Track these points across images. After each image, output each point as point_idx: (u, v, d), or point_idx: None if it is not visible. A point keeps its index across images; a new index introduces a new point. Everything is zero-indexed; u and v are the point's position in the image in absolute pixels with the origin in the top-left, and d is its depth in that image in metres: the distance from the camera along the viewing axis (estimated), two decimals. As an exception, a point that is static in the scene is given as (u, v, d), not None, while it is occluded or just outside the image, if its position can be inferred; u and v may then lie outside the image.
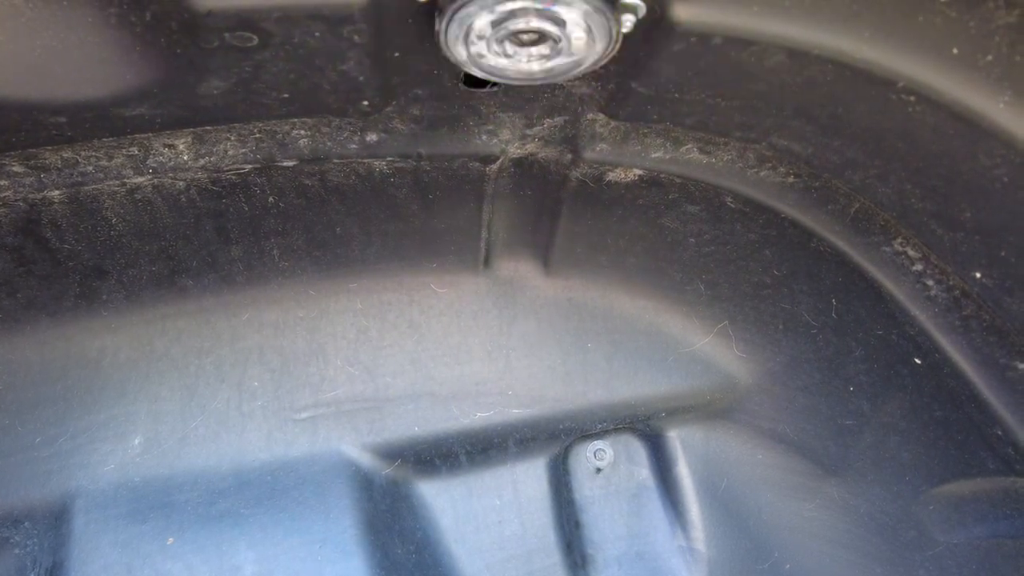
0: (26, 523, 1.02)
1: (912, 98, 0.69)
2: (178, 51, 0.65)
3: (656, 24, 0.65)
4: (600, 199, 1.06)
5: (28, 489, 1.02)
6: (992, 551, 1.11)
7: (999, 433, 0.99)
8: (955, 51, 0.66)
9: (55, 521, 1.01)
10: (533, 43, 0.65)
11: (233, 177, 0.94)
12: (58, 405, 1.03)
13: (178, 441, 1.04)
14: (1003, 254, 0.78)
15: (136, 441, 1.03)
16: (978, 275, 0.83)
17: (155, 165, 0.88)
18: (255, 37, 0.64)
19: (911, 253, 0.90)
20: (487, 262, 1.13)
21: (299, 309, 1.09)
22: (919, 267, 0.90)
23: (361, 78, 0.71)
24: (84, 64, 0.65)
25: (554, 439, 1.19)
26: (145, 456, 1.03)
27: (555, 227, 1.10)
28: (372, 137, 0.90)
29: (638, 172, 0.99)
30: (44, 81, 0.67)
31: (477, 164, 1.00)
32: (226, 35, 0.63)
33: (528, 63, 0.67)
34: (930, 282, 0.91)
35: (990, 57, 0.65)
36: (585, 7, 0.61)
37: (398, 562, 1.05)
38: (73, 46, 0.64)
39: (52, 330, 1.04)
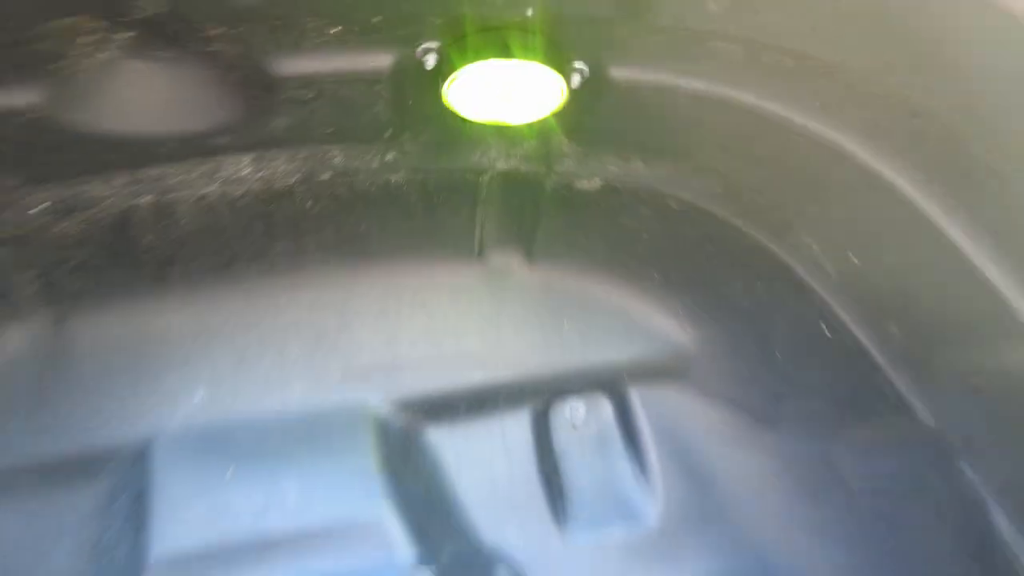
0: (114, 460, 1.28)
1: (786, 132, 0.94)
2: (257, 101, 0.90)
3: (596, 82, 0.91)
4: (571, 203, 1.31)
5: (115, 433, 1.28)
6: (883, 485, 1.36)
7: (883, 382, 1.24)
8: (818, 104, 0.92)
9: (137, 458, 1.27)
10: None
11: (281, 187, 1.19)
12: (138, 367, 1.29)
13: (232, 396, 1.30)
14: (864, 241, 1.03)
15: (199, 395, 1.29)
16: (851, 255, 1.09)
17: (222, 178, 1.13)
18: (312, 92, 0.89)
19: (808, 240, 1.15)
20: (480, 254, 1.39)
21: (329, 292, 1.34)
22: (816, 250, 1.15)
23: (385, 118, 0.97)
24: (189, 109, 0.90)
25: (536, 396, 1.44)
26: (207, 407, 1.29)
27: (535, 226, 1.36)
28: (390, 157, 1.15)
29: (599, 181, 1.24)
30: (157, 121, 0.92)
31: (471, 176, 1.25)
32: (292, 91, 0.88)
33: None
34: (826, 263, 1.16)
35: (840, 99, 0.90)
36: (543, 72, 0.86)
37: (410, 493, 1.31)
38: (182, 97, 0.89)
39: (130, 308, 1.30)
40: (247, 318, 1.31)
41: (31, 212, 1.08)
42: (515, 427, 1.44)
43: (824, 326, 1.29)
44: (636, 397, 1.48)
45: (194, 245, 1.25)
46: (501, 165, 1.21)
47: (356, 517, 1.26)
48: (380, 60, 0.87)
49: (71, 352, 1.29)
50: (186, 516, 1.23)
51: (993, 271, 0.95)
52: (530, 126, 1.06)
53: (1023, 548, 1.18)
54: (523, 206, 1.32)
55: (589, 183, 1.25)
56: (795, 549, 1.45)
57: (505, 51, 0.84)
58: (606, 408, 1.50)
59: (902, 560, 1.36)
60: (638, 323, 1.44)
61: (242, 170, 1.13)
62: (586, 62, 0.89)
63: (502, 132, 1.12)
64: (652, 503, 1.45)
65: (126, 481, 1.28)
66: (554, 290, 1.41)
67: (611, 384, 1.48)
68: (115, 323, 1.30)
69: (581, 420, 1.49)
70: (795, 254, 1.24)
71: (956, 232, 0.92)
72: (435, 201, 1.29)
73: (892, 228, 1.02)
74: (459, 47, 0.84)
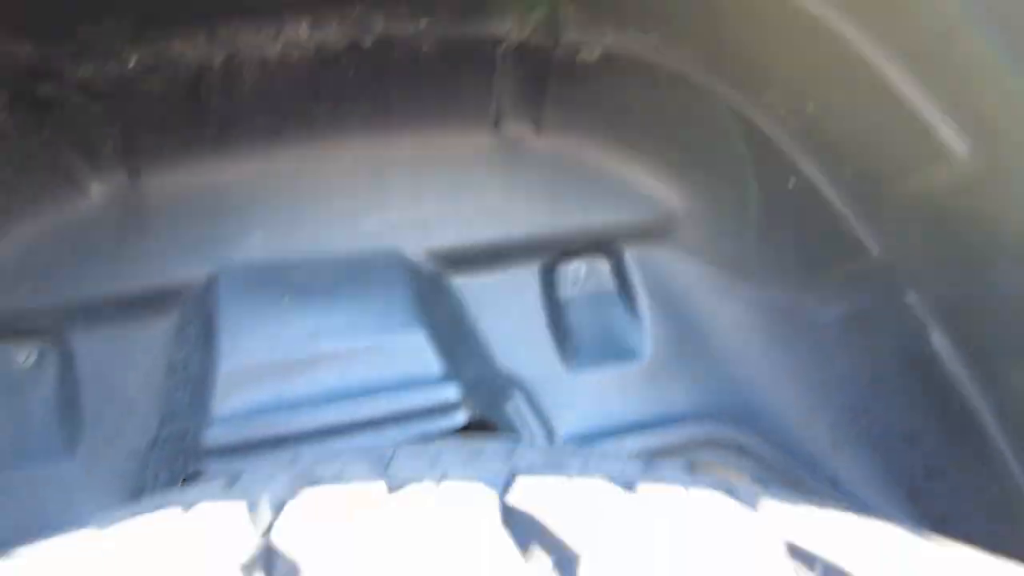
0: (184, 292, 1.50)
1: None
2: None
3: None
4: (574, 76, 1.52)
5: (185, 270, 1.49)
6: (846, 324, 1.59)
7: (843, 227, 1.46)
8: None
9: (205, 290, 1.48)
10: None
11: (329, 53, 1.39)
12: (203, 215, 1.50)
13: (285, 239, 1.51)
14: (818, 92, 1.25)
15: (256, 238, 1.51)
16: (808, 109, 1.30)
17: (284, 40, 1.33)
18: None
19: (775, 100, 1.36)
20: (497, 124, 1.60)
21: (366, 153, 1.55)
22: (781, 108, 1.36)
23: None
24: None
25: (544, 253, 1.66)
26: (264, 248, 1.50)
27: (544, 98, 1.57)
28: (423, 23, 1.36)
29: (598, 52, 1.45)
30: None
31: (489, 48, 1.46)
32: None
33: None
34: (790, 119, 1.37)
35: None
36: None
37: (440, 323, 1.53)
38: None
39: (196, 163, 1.51)
40: (296, 174, 1.52)
41: (128, 67, 1.28)
42: (526, 279, 1.66)
43: (792, 180, 1.51)
44: (630, 256, 1.71)
45: (253, 106, 1.45)
46: (515, 35, 1.41)
47: (395, 340, 1.48)
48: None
49: (145, 202, 1.50)
50: (249, 337, 1.45)
51: (919, 100, 1.16)
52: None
53: (954, 361, 1.41)
54: (534, 78, 1.52)
55: (589, 54, 1.46)
56: (768, 384, 1.69)
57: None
58: (603, 266, 1.73)
59: (855, 385, 1.60)
60: (632, 189, 1.65)
61: (301, 33, 1.33)
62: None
63: (515, 4, 1.33)
64: (643, 345, 1.68)
65: (195, 310, 1.50)
66: (560, 158, 1.62)
67: (609, 244, 1.70)
68: (183, 176, 1.50)
69: (582, 277, 1.71)
70: (766, 115, 1.45)
71: (884, 66, 1.13)
72: (459, 73, 1.50)
73: (838, 74, 1.23)
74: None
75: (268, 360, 1.45)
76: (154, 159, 1.48)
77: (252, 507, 0.55)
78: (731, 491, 0.71)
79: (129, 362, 1.50)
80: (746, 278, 1.67)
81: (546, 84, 1.53)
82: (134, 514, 0.63)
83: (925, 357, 1.44)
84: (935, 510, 1.54)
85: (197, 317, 1.49)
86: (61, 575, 0.53)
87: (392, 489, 0.59)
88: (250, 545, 0.52)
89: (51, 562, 0.57)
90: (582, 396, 1.62)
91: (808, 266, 1.60)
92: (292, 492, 0.60)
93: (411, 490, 0.56)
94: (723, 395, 1.69)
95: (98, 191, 1.48)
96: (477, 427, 1.53)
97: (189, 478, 1.41)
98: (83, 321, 1.49)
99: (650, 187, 1.66)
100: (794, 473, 1.66)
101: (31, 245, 1.45)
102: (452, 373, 1.51)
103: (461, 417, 1.51)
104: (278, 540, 0.50)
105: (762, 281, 1.66)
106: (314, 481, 0.64)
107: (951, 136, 1.14)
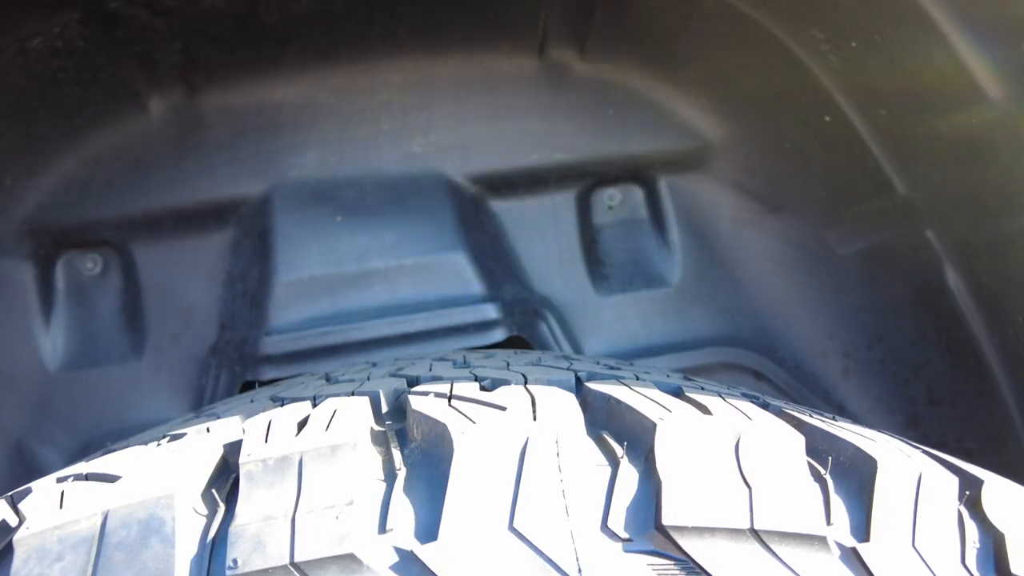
0: (241, 207, 1.57)
1: None
2: None
3: None
4: (622, 3, 1.54)
5: (242, 185, 1.56)
6: (866, 258, 1.66)
7: (873, 165, 1.52)
8: None
9: (261, 206, 1.56)
10: None
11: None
12: (259, 132, 1.56)
13: (337, 159, 1.57)
14: (862, 27, 1.27)
15: (310, 157, 1.57)
16: (853, 44, 1.33)
17: (339, -39, 1.36)
18: None
19: (818, 34, 1.39)
20: (542, 50, 1.63)
21: (415, 76, 1.59)
22: (825, 45, 1.39)
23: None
24: None
25: (581, 180, 1.72)
26: (317, 167, 1.57)
27: (590, 24, 1.59)
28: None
29: (648, -20, 1.47)
30: None
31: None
32: None
33: None
34: (831, 53, 1.40)
35: None
36: None
37: (480, 244, 1.61)
38: None
39: (253, 82, 1.55)
40: (348, 94, 1.57)
41: (188, -19, 1.32)
42: (563, 204, 1.73)
43: (827, 116, 1.55)
44: (664, 185, 1.77)
45: (308, 26, 1.48)
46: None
47: (439, 259, 1.57)
48: None
49: (203, 118, 1.56)
50: (303, 252, 1.54)
51: (962, 43, 1.19)
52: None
53: (965, 297, 1.48)
54: (581, 5, 1.54)
55: (638, -18, 1.48)
56: (787, 313, 1.77)
57: None
58: (638, 193, 1.79)
59: (871, 316, 1.68)
60: (670, 117, 1.70)
61: (356, -46, 1.36)
62: None
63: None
64: (672, 271, 1.77)
65: (251, 225, 1.58)
66: (601, 85, 1.66)
67: (644, 172, 1.75)
68: (240, 94, 1.55)
69: (617, 204, 1.78)
70: (809, 50, 1.48)
71: (932, 7, 1.16)
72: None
73: (886, 13, 1.26)
74: None
75: (322, 274, 1.54)
76: (212, 76, 1.53)
77: (374, 400, 0.65)
78: (759, 400, 0.80)
79: (188, 272, 1.59)
80: (774, 211, 1.73)
81: (593, 11, 1.55)
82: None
83: (938, 292, 1.51)
84: (933, 436, 1.65)
85: (253, 231, 1.57)
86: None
87: (484, 389, 0.68)
88: (376, 423, 0.61)
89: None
90: (610, 319, 1.72)
91: (835, 200, 1.66)
92: (399, 388, 0.69)
93: (505, 391, 0.65)
94: (744, 322, 1.78)
95: (158, 107, 1.54)
96: (512, 343, 1.63)
97: (248, 383, 1.53)
98: (145, 233, 1.57)
99: (688, 117, 1.70)
100: (805, 398, 1.78)
101: (96, 160, 1.52)
102: (491, 292, 1.60)
103: (499, 334, 1.61)
104: (416, 408, 0.59)
105: (790, 214, 1.73)
106: (412, 381, 0.74)
107: (989, 80, 1.18)
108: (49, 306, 1.56)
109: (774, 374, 1.79)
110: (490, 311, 1.58)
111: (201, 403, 1.56)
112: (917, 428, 1.70)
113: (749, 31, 1.52)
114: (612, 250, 1.77)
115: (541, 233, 1.72)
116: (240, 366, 1.54)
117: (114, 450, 0.73)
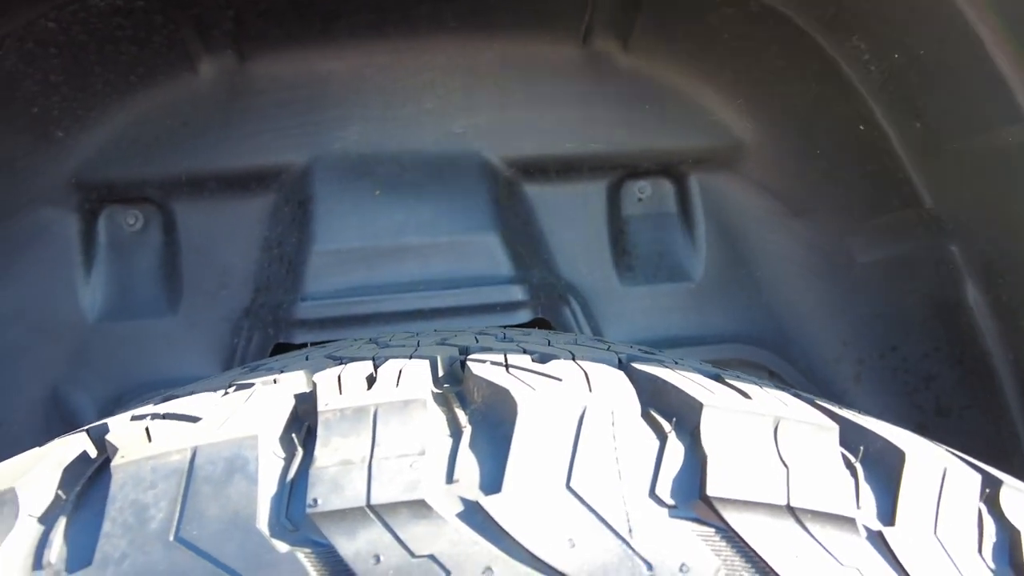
0: (283, 175, 1.61)
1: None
2: None
3: None
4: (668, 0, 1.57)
5: (285, 153, 1.60)
6: (887, 267, 1.69)
7: (902, 176, 1.55)
8: None
9: (302, 174, 1.60)
10: None
11: (438, -46, 1.45)
12: (305, 103, 1.60)
13: (379, 134, 1.61)
14: (906, 41, 1.30)
15: (353, 130, 1.61)
16: (896, 56, 1.36)
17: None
18: None
19: (861, 45, 1.42)
20: (586, 39, 1.66)
21: (459, 58, 1.62)
22: (865, 51, 1.42)
23: None
24: None
25: (613, 171, 1.75)
26: (358, 140, 1.61)
27: (636, 17, 1.62)
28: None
29: (693, -22, 1.50)
30: None
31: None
32: None
33: None
34: (872, 63, 1.43)
35: None
36: None
37: (512, 227, 1.65)
38: None
39: (301, 53, 1.59)
40: (393, 71, 1.60)
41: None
42: (594, 193, 1.76)
43: (861, 125, 1.58)
44: (694, 182, 1.80)
45: (357, 3, 1.52)
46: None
47: (472, 238, 1.61)
48: None
49: (251, 85, 1.60)
50: (341, 223, 1.58)
51: (1006, 62, 1.22)
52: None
53: (984, 313, 1.52)
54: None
55: (684, -21, 1.50)
56: (805, 316, 1.81)
57: None
58: (668, 189, 1.82)
59: (887, 325, 1.72)
60: (706, 115, 1.72)
61: (414, -67, 1.38)
62: None
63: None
64: (696, 267, 1.80)
65: (292, 192, 1.62)
66: (642, 78, 1.69)
67: (676, 168, 1.79)
68: (288, 64, 1.59)
69: (647, 196, 1.81)
70: (850, 58, 1.50)
71: (979, 25, 1.19)
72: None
73: (932, 28, 1.29)
74: None
75: (358, 246, 1.58)
76: (262, 45, 1.56)
77: (433, 364, 0.69)
78: (792, 391, 0.84)
79: (227, 234, 1.63)
80: (801, 214, 1.76)
81: (640, 4, 1.58)
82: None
83: (955, 306, 1.55)
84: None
85: (294, 199, 1.61)
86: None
87: (536, 361, 0.72)
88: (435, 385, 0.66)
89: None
90: (632, 309, 1.75)
91: (861, 209, 1.69)
92: (453, 356, 0.73)
93: (557, 364, 0.69)
94: (762, 321, 1.82)
95: (208, 71, 1.57)
96: (535, 325, 1.68)
97: (280, 346, 1.57)
98: (187, 193, 1.61)
99: (723, 116, 1.73)
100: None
101: (146, 118, 1.55)
102: (519, 274, 1.64)
103: (525, 315, 1.65)
104: (477, 373, 0.64)
105: (816, 218, 1.76)
106: (463, 350, 0.78)
107: (1029, 101, 1.21)
108: (90, 259, 1.60)
109: (787, 374, 1.83)
110: (517, 292, 1.62)
111: (232, 362, 1.61)
112: (923, 437, 1.74)
113: (792, 37, 1.55)
114: (639, 242, 1.80)
115: (571, 220, 1.75)
116: (273, 328, 1.58)
117: (177, 396, 0.78)
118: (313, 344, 1.43)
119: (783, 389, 0.82)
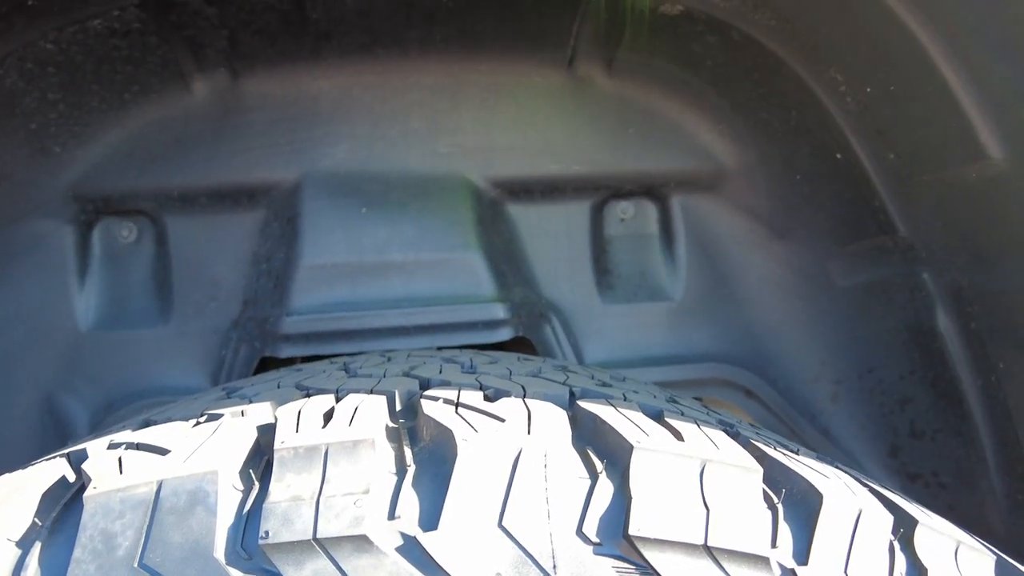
0: (273, 191, 1.66)
1: None
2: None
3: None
4: (653, 25, 1.60)
5: (274, 170, 1.65)
6: (865, 291, 1.73)
7: (878, 204, 1.58)
8: None
9: (291, 191, 1.64)
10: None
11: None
12: (294, 121, 1.64)
13: (367, 152, 1.65)
14: (878, 74, 1.34)
15: (341, 149, 1.65)
16: (868, 89, 1.39)
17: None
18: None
19: (837, 75, 1.46)
20: (571, 63, 1.70)
21: (446, 79, 1.66)
22: (842, 83, 1.46)
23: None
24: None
25: (597, 191, 1.80)
26: (347, 158, 1.65)
27: (620, 43, 1.66)
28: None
29: (679, 8, 1.53)
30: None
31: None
32: None
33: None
34: (848, 95, 1.47)
35: None
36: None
37: (495, 246, 1.69)
38: None
39: (292, 72, 1.63)
40: (381, 92, 1.65)
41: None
42: (577, 214, 1.81)
43: (839, 153, 1.61)
44: (677, 204, 1.84)
45: (348, 24, 1.56)
46: (600, -13, 1.50)
47: (455, 257, 1.65)
48: None
49: (243, 103, 1.64)
50: (328, 239, 1.63)
51: (969, 102, 1.26)
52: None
53: (954, 339, 1.55)
54: (610, 25, 1.61)
55: (672, 8, 1.54)
56: (784, 337, 1.85)
57: None
58: (651, 210, 1.86)
59: (864, 348, 1.75)
60: (688, 139, 1.76)
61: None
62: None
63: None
64: (677, 287, 1.84)
65: (281, 209, 1.66)
66: (626, 101, 1.73)
67: (658, 189, 1.83)
68: (279, 83, 1.63)
69: (629, 217, 1.85)
70: (827, 89, 1.54)
71: (944, 65, 1.23)
72: (545, 8, 1.59)
73: (901, 64, 1.32)
74: None
75: (344, 262, 1.62)
76: (254, 64, 1.61)
77: (390, 399, 0.74)
78: (731, 428, 0.89)
79: (217, 248, 1.68)
80: (780, 237, 1.80)
81: (624, 30, 1.62)
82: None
83: (928, 332, 1.58)
84: (912, 467, 1.73)
85: (282, 215, 1.66)
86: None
87: (488, 399, 0.76)
88: (392, 421, 0.70)
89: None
90: (613, 327, 1.80)
91: (839, 234, 1.73)
92: (412, 390, 0.77)
93: (504, 403, 0.73)
94: (741, 341, 1.86)
95: (201, 89, 1.62)
96: (517, 342, 1.72)
97: (265, 359, 1.62)
98: (179, 207, 1.66)
99: (706, 140, 1.77)
100: (792, 419, 1.85)
101: (140, 134, 1.60)
102: (501, 293, 1.69)
103: (506, 333, 1.69)
104: (427, 412, 0.68)
105: (795, 242, 1.79)
106: (423, 383, 0.82)
107: (990, 140, 1.24)
108: (85, 269, 1.66)
109: (765, 394, 1.86)
110: (499, 311, 1.66)
111: (219, 373, 1.66)
112: (897, 457, 1.77)
113: (772, 66, 1.58)
114: (620, 261, 1.84)
115: (554, 240, 1.80)
116: (259, 342, 1.63)
117: (155, 421, 0.82)
118: (298, 360, 1.48)
119: (726, 426, 0.86)
